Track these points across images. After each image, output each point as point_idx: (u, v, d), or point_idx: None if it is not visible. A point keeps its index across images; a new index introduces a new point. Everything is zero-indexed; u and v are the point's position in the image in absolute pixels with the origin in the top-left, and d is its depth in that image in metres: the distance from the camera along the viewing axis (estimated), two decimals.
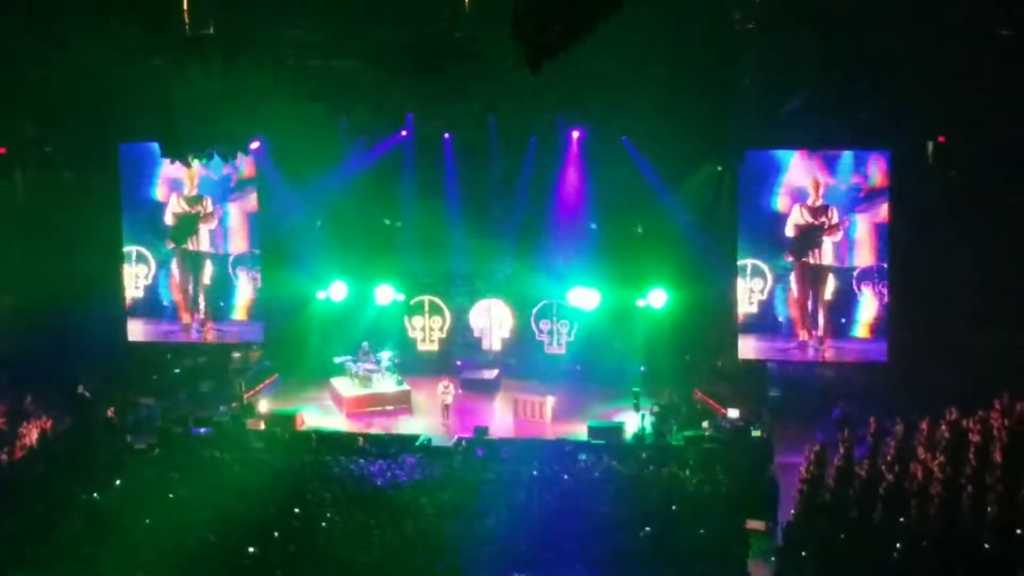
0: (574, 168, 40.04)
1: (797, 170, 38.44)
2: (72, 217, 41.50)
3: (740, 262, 39.17)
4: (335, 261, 42.64)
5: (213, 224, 42.11)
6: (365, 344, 41.23)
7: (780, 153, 38.40)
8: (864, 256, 38.45)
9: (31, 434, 34.60)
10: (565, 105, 35.73)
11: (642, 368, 41.14)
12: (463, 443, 34.49)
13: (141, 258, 42.43)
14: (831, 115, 36.11)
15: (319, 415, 38.63)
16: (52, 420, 35.62)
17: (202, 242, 42.36)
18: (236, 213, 42.11)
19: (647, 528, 25.30)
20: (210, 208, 42.07)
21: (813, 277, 38.91)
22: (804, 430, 34.36)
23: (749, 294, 39.31)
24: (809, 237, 38.56)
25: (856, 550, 24.32)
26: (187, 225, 42.17)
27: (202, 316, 42.62)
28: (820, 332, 38.97)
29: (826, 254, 38.67)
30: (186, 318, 42.67)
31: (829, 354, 39.15)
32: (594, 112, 36.43)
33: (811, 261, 38.77)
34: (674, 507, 27.08)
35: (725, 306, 39.96)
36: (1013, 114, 34.45)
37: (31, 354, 39.38)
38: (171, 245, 42.33)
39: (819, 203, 38.30)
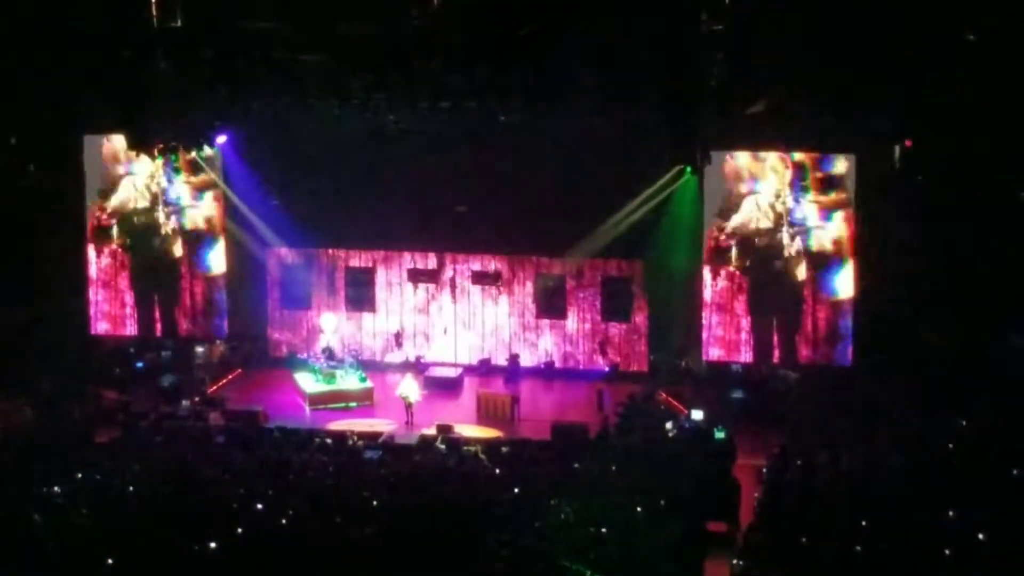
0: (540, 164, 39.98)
1: (762, 169, 38.75)
2: (36, 210, 41.22)
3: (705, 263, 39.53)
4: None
5: (172, 223, 42.15)
6: (329, 340, 41.35)
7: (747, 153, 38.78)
8: (828, 261, 38.62)
9: None
10: (529, 102, 35.54)
11: (607, 368, 41.36)
12: (426, 440, 34.59)
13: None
14: (797, 117, 36.21)
15: (282, 411, 38.46)
16: (12, 413, 35.44)
17: (165, 246, 42.44)
18: (200, 209, 42.18)
19: (603, 529, 25.23)
20: (171, 204, 42.13)
21: (769, 294, 39.24)
22: (767, 432, 34.43)
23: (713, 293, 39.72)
24: (766, 242, 38.85)
25: (817, 553, 24.31)
26: (142, 222, 42.18)
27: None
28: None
29: (788, 264, 38.96)
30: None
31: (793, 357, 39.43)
32: (560, 110, 36.26)
33: (766, 275, 39.08)
34: (638, 508, 27.03)
35: (689, 307, 40.11)
36: (979, 118, 34.58)
37: None
38: (119, 244, 42.36)
39: (782, 204, 38.52)
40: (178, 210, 42.19)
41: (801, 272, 38.81)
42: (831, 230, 38.43)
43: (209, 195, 42.13)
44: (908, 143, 36.93)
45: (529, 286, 42.63)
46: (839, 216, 38.33)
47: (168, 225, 42.25)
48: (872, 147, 37.50)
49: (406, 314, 43.37)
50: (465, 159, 39.80)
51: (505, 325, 42.89)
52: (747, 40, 32.55)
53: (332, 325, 42.61)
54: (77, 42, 34.78)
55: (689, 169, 37.85)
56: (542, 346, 42.74)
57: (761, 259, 39.07)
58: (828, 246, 38.56)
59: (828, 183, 38.26)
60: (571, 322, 42.42)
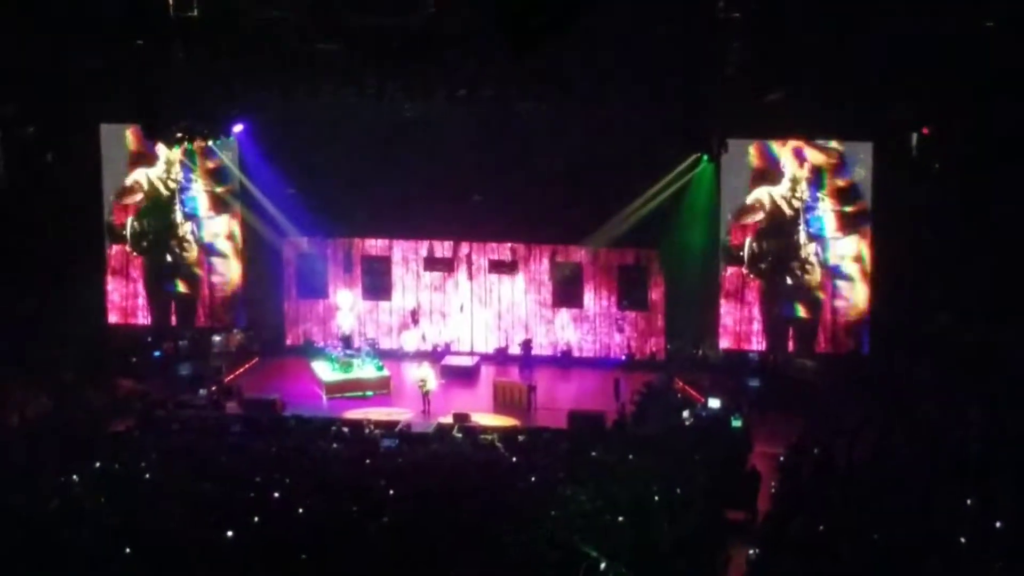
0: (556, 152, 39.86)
1: (777, 158, 38.73)
2: (53, 198, 41.24)
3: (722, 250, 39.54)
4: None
5: (189, 228, 42.23)
6: (347, 329, 41.46)
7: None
8: (844, 251, 38.54)
9: (11, 416, 34.53)
10: (545, 90, 35.48)
11: (623, 356, 41.37)
12: (443, 429, 34.67)
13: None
14: (815, 105, 36.08)
15: (299, 399, 38.53)
16: (31, 402, 35.56)
17: (182, 253, 42.59)
18: (219, 224, 42.45)
19: (620, 517, 25.24)
20: (188, 208, 42.19)
21: (785, 295, 39.30)
22: (784, 420, 34.40)
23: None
24: (783, 244, 38.82)
25: (834, 541, 24.31)
26: (159, 221, 42.26)
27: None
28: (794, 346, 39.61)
29: (805, 270, 38.93)
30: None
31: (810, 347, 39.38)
32: (576, 99, 36.19)
33: (782, 278, 39.09)
34: (655, 496, 27.04)
35: (706, 295, 40.07)
36: (996, 106, 34.45)
37: (10, 336, 39.20)
38: (132, 246, 42.54)
39: (798, 199, 38.45)
40: (195, 218, 42.24)
41: (817, 277, 38.70)
42: (850, 246, 38.36)
43: (227, 214, 42.29)
44: (925, 131, 36.78)
45: (546, 263, 42.66)
46: (857, 235, 38.29)
47: (185, 227, 42.29)
48: (889, 135, 37.34)
49: (422, 291, 43.37)
50: (481, 148, 39.71)
51: (521, 302, 42.91)
52: (764, 28, 32.47)
53: (348, 303, 42.70)
54: (95, 32, 34.77)
55: (706, 157, 37.83)
56: (558, 323, 42.75)
57: (777, 260, 38.95)
58: (847, 262, 38.47)
59: (847, 194, 38.10)
60: (587, 310, 42.38)
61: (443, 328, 43.29)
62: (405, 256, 43.21)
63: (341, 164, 40.31)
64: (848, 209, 38.23)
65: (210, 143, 39.87)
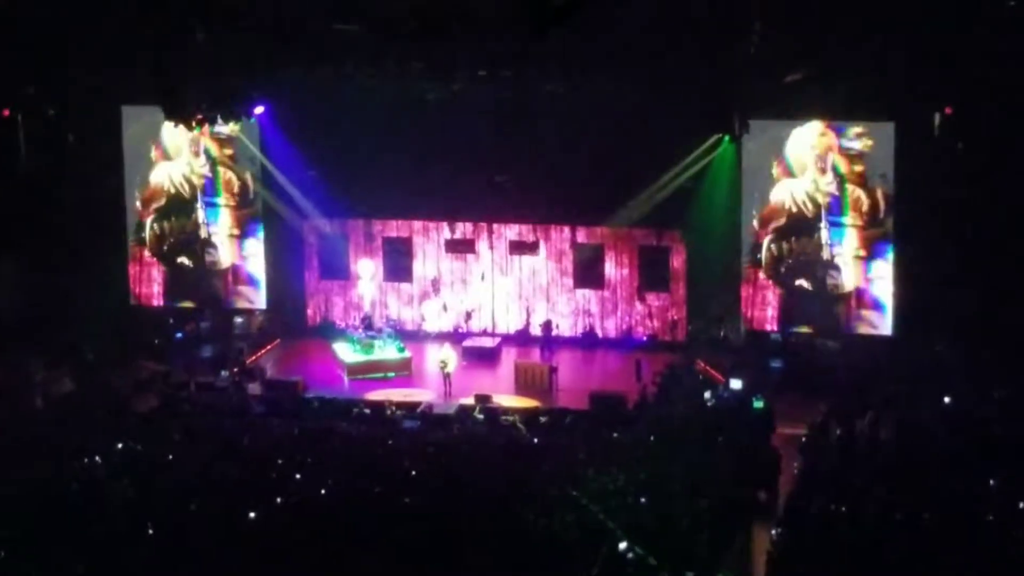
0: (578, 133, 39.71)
1: (799, 143, 38.54)
2: (75, 180, 41.29)
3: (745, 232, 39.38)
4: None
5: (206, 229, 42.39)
6: (368, 310, 41.44)
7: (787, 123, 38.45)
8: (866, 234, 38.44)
9: (34, 397, 34.62)
10: (567, 70, 35.39)
11: (644, 337, 41.28)
12: (464, 410, 34.68)
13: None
14: (837, 85, 35.91)
15: (320, 381, 38.58)
16: (54, 383, 35.64)
17: (201, 245, 42.76)
18: (242, 246, 42.57)
19: (642, 498, 25.22)
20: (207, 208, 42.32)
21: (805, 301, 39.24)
22: (806, 401, 34.29)
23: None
24: (801, 241, 38.70)
25: (857, 522, 24.27)
26: (177, 219, 42.39)
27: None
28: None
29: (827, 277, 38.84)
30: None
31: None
32: (596, 78, 36.10)
33: (802, 284, 39.02)
34: (676, 478, 27.00)
35: (728, 276, 39.93)
36: (1020, 86, 34.28)
37: (34, 317, 39.32)
38: (152, 250, 42.75)
39: (822, 194, 38.28)
40: (217, 231, 42.48)
41: (842, 287, 38.62)
42: (874, 269, 38.35)
43: (252, 237, 42.50)
44: (948, 110, 36.59)
45: (567, 231, 42.49)
46: (882, 258, 38.21)
47: (205, 231, 42.41)
48: (912, 115, 37.12)
49: (443, 260, 43.27)
50: (502, 128, 39.57)
51: (543, 271, 42.76)
52: (786, 6, 32.33)
53: (369, 272, 42.62)
54: (115, 12, 34.76)
55: (727, 138, 37.70)
56: (579, 295, 42.57)
57: (797, 264, 38.86)
58: (872, 285, 38.46)
59: (871, 207, 37.96)
60: (609, 289, 42.28)
61: (464, 297, 43.17)
62: (426, 227, 43.04)
63: (362, 145, 40.17)
64: (873, 231, 38.02)
65: (228, 126, 39.76)
